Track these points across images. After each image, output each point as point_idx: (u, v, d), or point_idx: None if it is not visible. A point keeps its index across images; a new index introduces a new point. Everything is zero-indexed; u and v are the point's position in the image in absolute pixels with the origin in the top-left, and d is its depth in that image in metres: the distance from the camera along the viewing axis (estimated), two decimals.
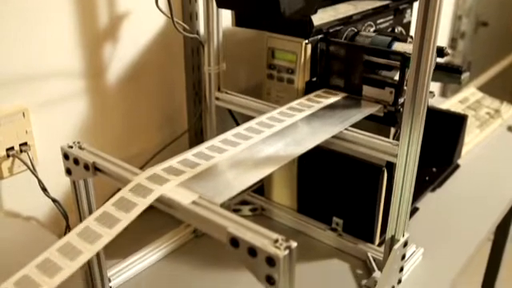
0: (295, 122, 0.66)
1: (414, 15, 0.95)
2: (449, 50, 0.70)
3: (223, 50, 0.79)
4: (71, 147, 0.59)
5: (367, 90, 0.74)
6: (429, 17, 0.55)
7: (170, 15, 0.76)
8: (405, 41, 0.76)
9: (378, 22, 0.87)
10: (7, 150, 0.70)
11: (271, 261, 0.41)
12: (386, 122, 0.74)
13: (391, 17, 0.90)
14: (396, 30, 0.93)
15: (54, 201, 0.74)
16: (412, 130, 0.61)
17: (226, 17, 0.79)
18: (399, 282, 0.73)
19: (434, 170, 1.01)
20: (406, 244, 0.70)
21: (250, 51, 1.01)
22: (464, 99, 1.29)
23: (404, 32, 0.95)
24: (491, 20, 2.24)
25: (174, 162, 0.56)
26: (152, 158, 0.89)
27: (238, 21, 0.80)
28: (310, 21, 0.73)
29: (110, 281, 0.71)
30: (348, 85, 0.76)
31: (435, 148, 1.02)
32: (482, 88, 1.51)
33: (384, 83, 0.73)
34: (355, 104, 0.74)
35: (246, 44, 1.00)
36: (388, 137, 0.75)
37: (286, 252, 0.41)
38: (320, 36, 0.76)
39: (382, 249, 0.76)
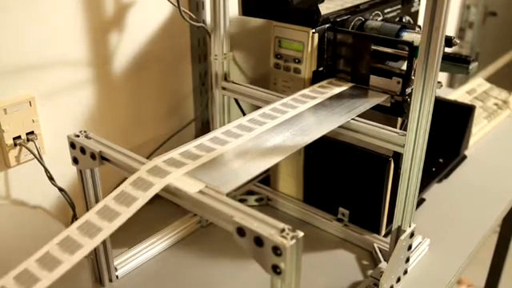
0: (302, 111, 0.66)
1: (422, 4, 0.94)
2: (457, 40, 0.70)
3: (230, 40, 0.79)
4: (78, 136, 0.60)
5: (374, 79, 0.74)
6: (438, 6, 0.54)
7: (176, 4, 0.76)
8: (413, 30, 0.75)
9: (386, 11, 0.86)
10: (14, 138, 0.70)
11: (277, 250, 0.41)
12: (393, 112, 0.74)
13: (399, 6, 0.90)
14: (404, 20, 0.92)
15: (60, 190, 0.74)
16: (420, 120, 0.61)
17: (233, 6, 0.79)
18: (405, 272, 0.73)
19: (441, 160, 1.01)
20: (412, 235, 0.70)
21: (257, 41, 1.00)
22: (471, 90, 1.28)
23: (412, 21, 0.94)
24: (500, 10, 2.21)
25: (181, 150, 0.56)
26: (159, 147, 0.90)
27: (245, 10, 0.80)
28: (317, 10, 0.73)
29: (116, 270, 0.72)
30: (355, 74, 0.75)
31: (442, 139, 1.02)
32: (490, 79, 1.50)
33: (391, 73, 0.72)
34: (362, 94, 0.73)
35: (253, 33, 0.99)
36: (395, 127, 0.75)
37: (293, 242, 0.41)
38: (327, 25, 0.76)
39: (388, 239, 0.76)
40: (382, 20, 0.84)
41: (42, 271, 0.42)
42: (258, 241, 0.42)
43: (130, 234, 0.76)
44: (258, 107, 0.68)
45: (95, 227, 0.45)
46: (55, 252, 0.44)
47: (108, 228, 0.45)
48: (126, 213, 0.47)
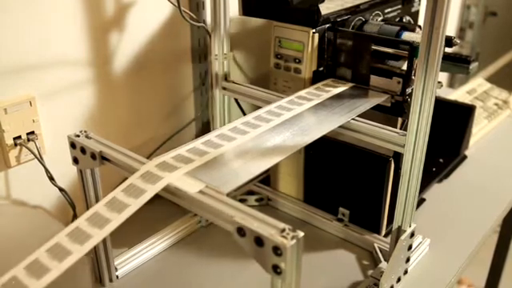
0: (302, 111, 0.66)
1: (422, 4, 0.94)
2: (457, 40, 0.70)
3: (230, 40, 0.79)
4: (78, 136, 0.59)
5: (374, 79, 0.74)
6: (438, 6, 0.54)
7: (176, 4, 0.76)
8: (413, 30, 0.75)
9: (386, 11, 0.86)
10: (14, 138, 0.70)
11: (278, 250, 0.41)
12: (394, 112, 0.74)
13: (399, 6, 0.90)
14: (404, 20, 0.92)
15: (60, 190, 0.74)
16: (420, 120, 0.61)
17: (233, 6, 0.79)
18: (405, 272, 0.72)
19: (441, 160, 1.01)
20: (412, 234, 0.70)
21: (257, 41, 1.00)
22: (472, 90, 1.28)
23: (412, 21, 0.94)
24: (500, 10, 2.21)
25: (181, 150, 0.56)
26: (158, 147, 0.90)
27: (245, 10, 0.80)
28: (318, 10, 0.73)
29: (116, 269, 0.72)
30: (355, 75, 0.75)
31: (442, 139, 1.02)
32: (490, 79, 1.50)
33: (392, 73, 0.72)
34: (362, 94, 0.73)
35: (253, 33, 0.99)
36: (395, 127, 0.75)
37: (293, 242, 0.41)
38: (327, 25, 0.76)
39: (388, 239, 0.76)
40: (382, 21, 0.84)
41: (73, 245, 0.43)
42: (259, 241, 0.42)
43: (130, 233, 0.76)
44: (259, 107, 0.68)
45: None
46: (84, 227, 0.45)
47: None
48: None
